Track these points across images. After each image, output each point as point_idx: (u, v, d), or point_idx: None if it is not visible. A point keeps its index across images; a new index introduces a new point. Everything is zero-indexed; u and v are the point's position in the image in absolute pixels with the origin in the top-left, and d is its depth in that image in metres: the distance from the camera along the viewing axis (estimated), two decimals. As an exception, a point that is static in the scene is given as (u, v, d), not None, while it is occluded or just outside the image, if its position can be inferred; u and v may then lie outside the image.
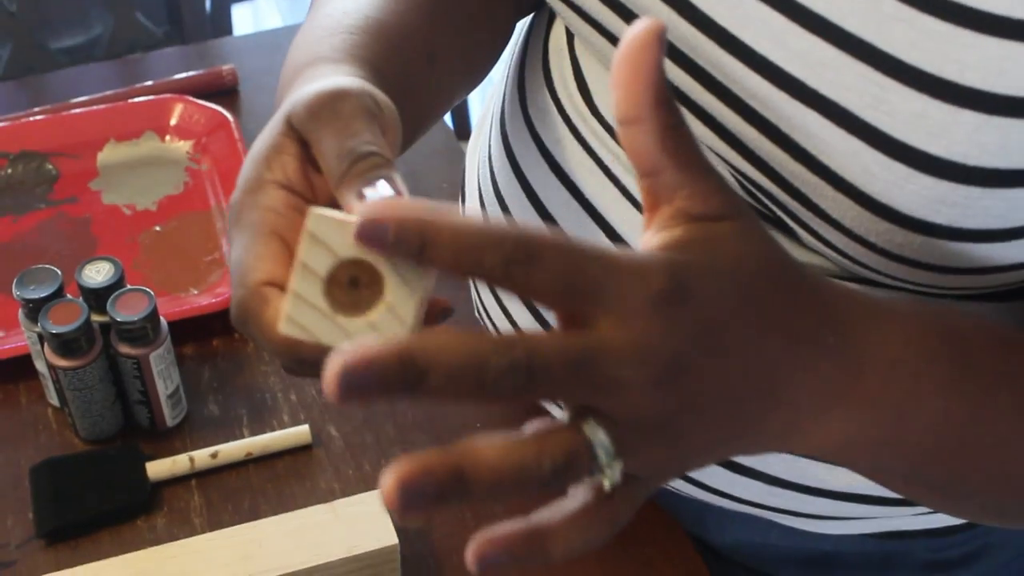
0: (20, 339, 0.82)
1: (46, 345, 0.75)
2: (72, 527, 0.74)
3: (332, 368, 0.35)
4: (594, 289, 0.38)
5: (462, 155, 0.86)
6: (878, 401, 0.46)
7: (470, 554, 0.39)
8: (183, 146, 1.01)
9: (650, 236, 0.42)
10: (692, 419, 0.41)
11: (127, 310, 0.74)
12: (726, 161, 0.56)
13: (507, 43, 0.74)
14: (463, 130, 2.14)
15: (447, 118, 1.47)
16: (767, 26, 0.50)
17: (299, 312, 0.42)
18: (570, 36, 0.67)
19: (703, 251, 0.41)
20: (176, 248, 0.93)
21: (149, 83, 1.07)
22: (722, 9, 0.51)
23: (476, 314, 0.78)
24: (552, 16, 0.70)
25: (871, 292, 0.48)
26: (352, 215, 0.42)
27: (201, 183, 0.98)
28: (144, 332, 0.75)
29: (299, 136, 0.50)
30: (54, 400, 0.81)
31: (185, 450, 0.79)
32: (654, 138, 0.40)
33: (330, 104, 0.49)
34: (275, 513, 0.73)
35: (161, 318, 0.77)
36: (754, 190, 0.56)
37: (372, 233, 0.37)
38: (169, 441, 0.80)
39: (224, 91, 1.09)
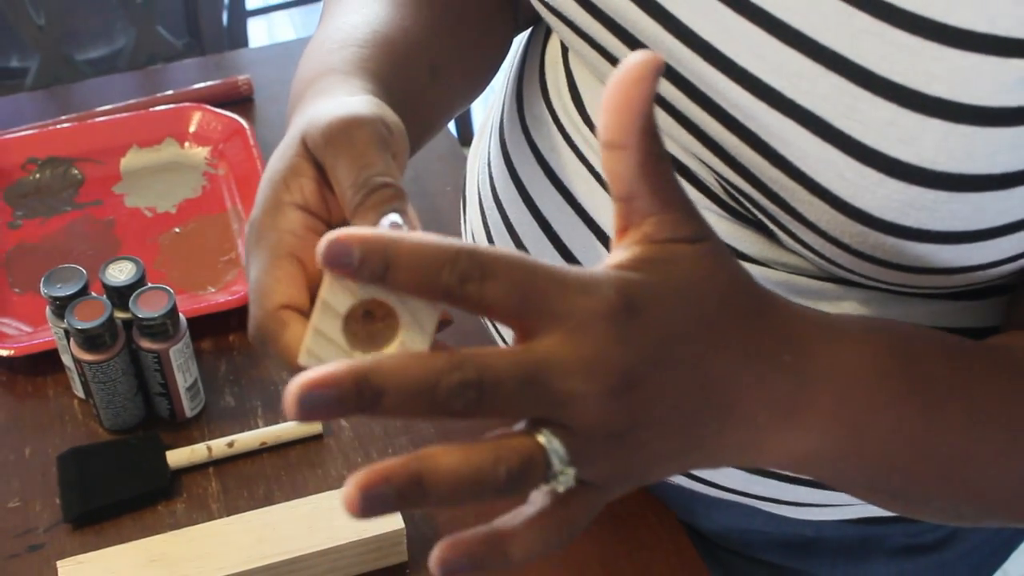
0: (48, 335, 0.82)
1: (72, 340, 0.75)
2: (96, 512, 0.74)
3: (291, 389, 0.36)
4: (544, 304, 0.38)
5: (465, 160, 0.87)
6: (834, 415, 0.45)
7: (433, 560, 0.39)
8: (201, 152, 1.02)
9: (610, 256, 0.42)
10: (645, 430, 0.40)
11: (148, 307, 0.75)
12: (708, 166, 0.56)
13: (505, 56, 0.74)
14: (466, 136, 2.14)
15: (451, 125, 1.47)
16: (747, 40, 0.50)
17: (319, 346, 0.42)
18: (565, 49, 0.67)
19: (657, 270, 0.41)
20: (194, 248, 0.93)
21: (169, 92, 1.08)
22: (705, 24, 0.51)
23: (484, 320, 0.78)
24: (549, 30, 0.70)
25: (827, 314, 0.47)
26: None
27: (218, 187, 0.99)
28: (164, 328, 0.75)
29: (315, 159, 0.50)
30: (79, 392, 0.82)
31: (203, 439, 0.79)
32: (634, 165, 0.41)
33: (345, 131, 0.48)
34: (288, 499, 0.73)
35: (180, 315, 0.77)
36: (735, 193, 0.56)
37: (337, 255, 0.37)
38: (188, 431, 0.80)
39: (240, 100, 1.09)
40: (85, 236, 0.94)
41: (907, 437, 0.48)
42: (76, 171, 1.00)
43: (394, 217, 0.45)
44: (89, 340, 0.74)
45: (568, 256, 0.66)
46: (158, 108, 1.04)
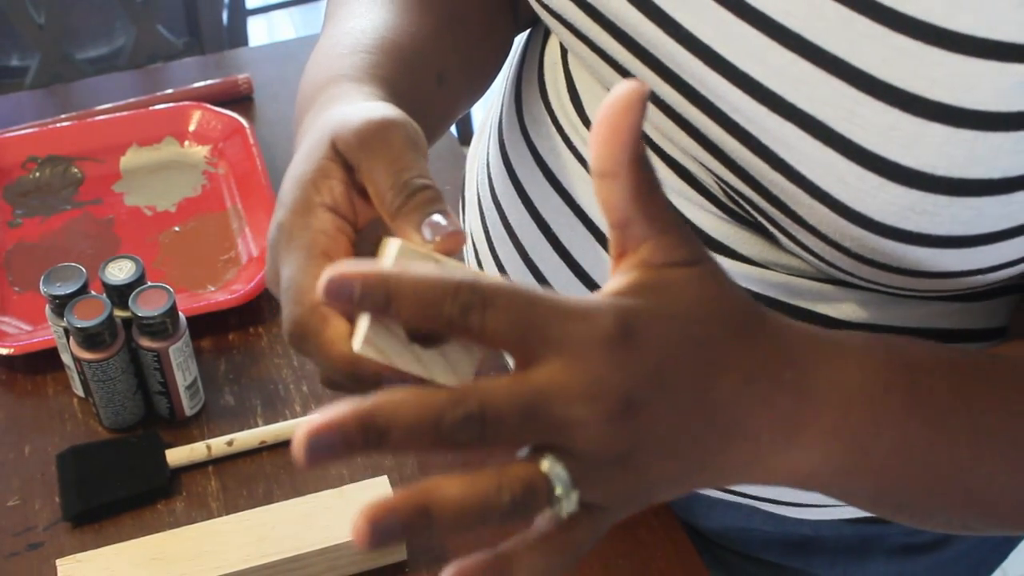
0: (47, 333, 0.82)
1: (71, 339, 0.75)
2: (96, 511, 0.74)
3: (299, 435, 0.37)
4: (544, 332, 0.39)
5: (464, 160, 0.87)
6: (836, 433, 0.45)
7: None
8: (201, 151, 1.01)
9: (608, 283, 0.42)
10: (647, 454, 0.41)
11: (148, 306, 0.74)
12: (708, 169, 0.56)
13: (507, 57, 0.74)
14: (465, 136, 2.14)
15: (451, 124, 1.47)
16: (748, 44, 0.50)
17: (377, 335, 0.41)
18: (564, 50, 0.67)
19: (654, 295, 0.41)
20: (194, 247, 0.93)
21: (169, 91, 1.07)
22: (706, 28, 0.51)
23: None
24: (548, 31, 0.70)
25: (827, 331, 0.47)
26: (428, 247, 0.44)
27: (218, 186, 0.98)
28: (164, 327, 0.75)
29: (344, 161, 0.49)
30: (79, 391, 0.82)
31: (202, 438, 0.79)
32: (627, 193, 0.41)
33: (380, 134, 0.48)
34: (288, 498, 0.73)
35: (180, 313, 0.77)
36: (735, 196, 0.56)
37: (339, 290, 0.38)
38: (187, 430, 0.80)
39: (240, 99, 1.09)
40: (85, 235, 0.94)
41: (910, 452, 0.48)
42: (76, 170, 1.00)
43: (437, 218, 0.46)
44: (89, 339, 0.74)
45: (566, 256, 0.66)
46: (158, 107, 1.04)
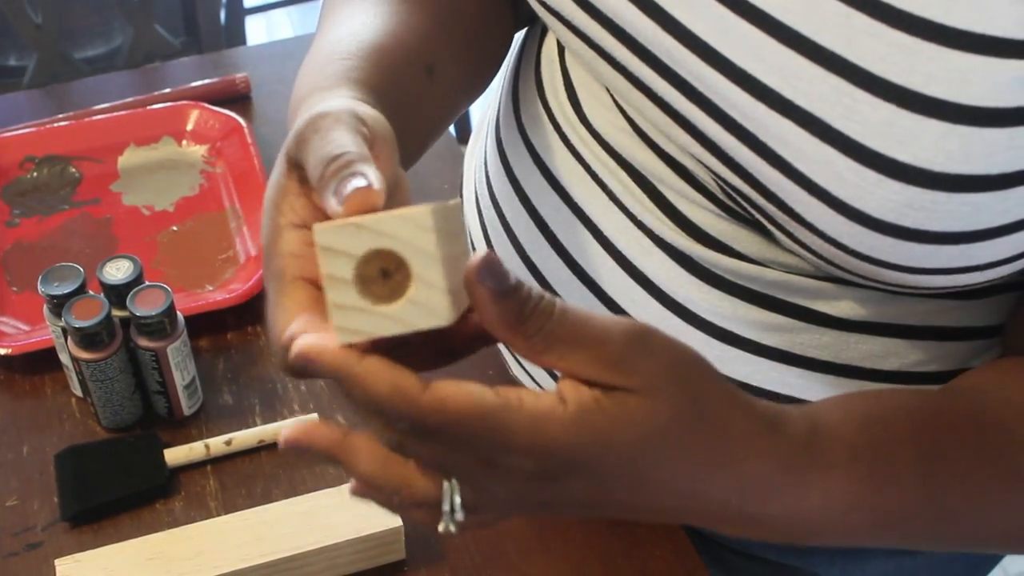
0: (45, 333, 0.82)
1: (69, 338, 0.75)
2: (94, 510, 0.74)
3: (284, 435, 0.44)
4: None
5: (462, 158, 0.86)
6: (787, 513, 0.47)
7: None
8: (199, 150, 1.01)
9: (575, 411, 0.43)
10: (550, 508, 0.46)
11: (146, 305, 0.74)
12: (706, 166, 0.56)
13: (507, 52, 0.74)
14: (464, 134, 2.14)
15: (449, 123, 1.47)
16: (746, 40, 0.50)
17: (345, 319, 0.42)
18: (561, 48, 0.67)
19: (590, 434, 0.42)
20: (192, 247, 0.93)
21: (167, 91, 1.07)
22: (704, 25, 0.51)
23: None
24: (545, 29, 0.70)
25: (782, 421, 0.48)
26: (353, 217, 0.42)
27: (216, 185, 0.98)
28: (162, 326, 0.75)
29: (298, 171, 0.49)
30: (77, 390, 0.82)
31: (201, 437, 0.79)
32: (526, 351, 0.42)
33: (313, 125, 0.48)
34: (286, 497, 0.73)
35: (178, 313, 0.77)
36: (733, 194, 0.56)
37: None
38: (186, 429, 0.80)
39: (238, 98, 1.09)
40: (83, 234, 0.94)
41: (876, 526, 0.50)
42: (74, 169, 0.99)
43: (357, 182, 0.44)
44: (87, 338, 0.74)
45: (564, 254, 0.66)
46: (156, 106, 1.04)
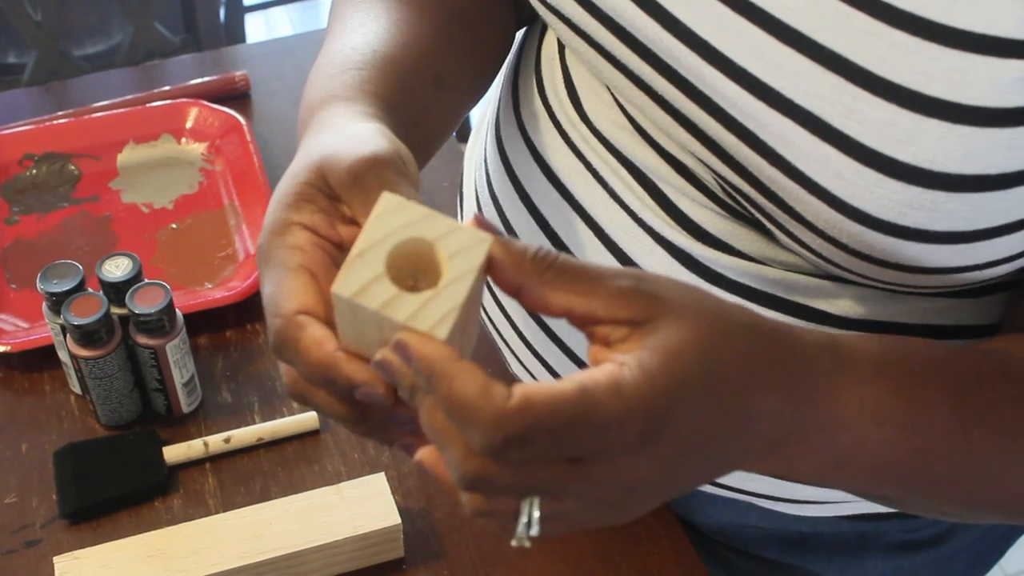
0: (44, 330, 0.82)
1: (68, 336, 0.75)
2: (93, 508, 0.74)
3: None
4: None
5: (461, 156, 0.86)
6: (827, 425, 0.47)
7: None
8: (198, 148, 1.01)
9: (628, 370, 0.43)
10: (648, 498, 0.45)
11: (145, 303, 0.74)
12: (706, 165, 0.56)
13: (508, 53, 0.74)
14: (464, 133, 2.13)
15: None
16: (746, 39, 0.50)
17: (357, 274, 0.43)
18: (561, 46, 0.67)
19: (661, 374, 0.42)
20: (191, 244, 0.93)
21: (166, 88, 1.07)
22: (704, 23, 0.51)
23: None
24: (545, 27, 0.70)
25: (818, 333, 0.48)
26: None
27: (215, 183, 0.98)
28: (161, 324, 0.75)
29: (330, 191, 0.50)
30: (76, 388, 0.82)
31: (200, 435, 0.79)
32: (538, 293, 0.43)
33: (373, 171, 0.49)
34: (285, 495, 0.73)
35: (177, 310, 0.77)
36: (733, 192, 0.56)
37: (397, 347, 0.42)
38: (185, 427, 0.80)
39: (237, 96, 1.09)
40: (82, 232, 0.94)
41: (906, 449, 0.48)
42: (73, 167, 0.99)
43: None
44: (85, 336, 0.74)
45: (564, 251, 0.66)
46: (155, 104, 1.04)
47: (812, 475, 0.49)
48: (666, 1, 0.52)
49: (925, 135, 0.46)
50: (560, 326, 0.68)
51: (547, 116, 0.67)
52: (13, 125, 1.02)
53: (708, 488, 0.70)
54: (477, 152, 0.78)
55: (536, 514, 0.43)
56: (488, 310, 0.75)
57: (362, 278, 0.42)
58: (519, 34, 0.76)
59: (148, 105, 1.04)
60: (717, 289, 0.61)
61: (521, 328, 0.71)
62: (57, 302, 0.75)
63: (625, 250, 0.63)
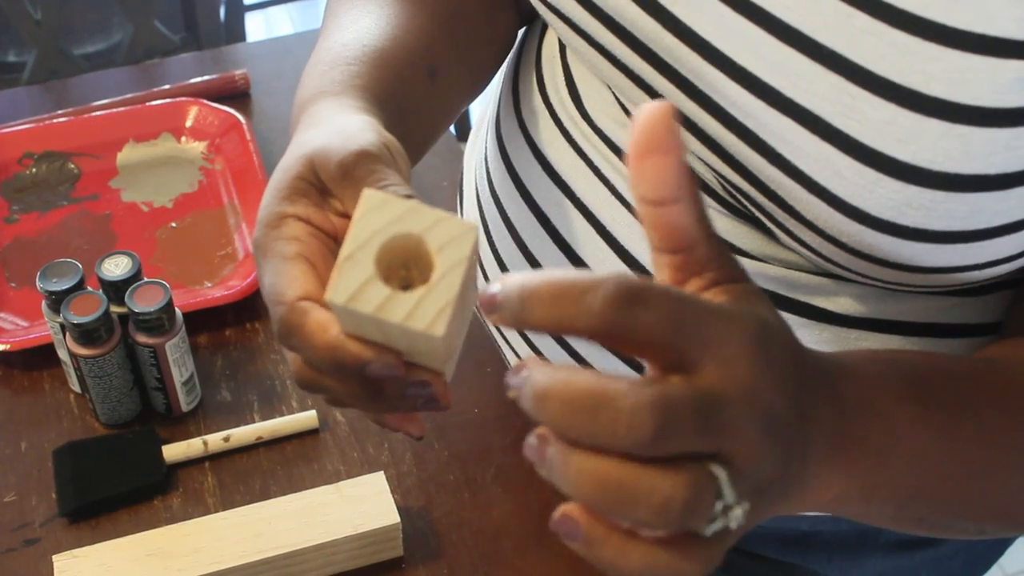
0: (44, 329, 0.82)
1: (68, 335, 0.75)
2: (92, 506, 0.74)
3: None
4: (699, 332, 0.37)
5: (461, 155, 0.86)
6: (862, 445, 0.44)
7: (555, 516, 0.38)
8: (198, 147, 1.01)
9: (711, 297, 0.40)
10: (774, 473, 0.39)
11: (144, 302, 0.74)
12: (707, 164, 0.56)
13: (510, 49, 0.74)
14: (463, 132, 2.13)
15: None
16: (746, 38, 0.50)
17: (348, 280, 0.42)
18: (562, 44, 0.67)
19: (759, 307, 0.40)
20: (191, 243, 0.93)
21: (166, 87, 1.07)
22: (705, 22, 0.51)
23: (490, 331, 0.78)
24: (546, 25, 0.70)
25: (830, 352, 0.47)
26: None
27: (215, 182, 0.98)
28: (160, 322, 0.75)
29: (321, 185, 0.51)
30: (75, 387, 0.82)
31: (199, 434, 0.79)
32: (691, 216, 0.39)
33: (362, 165, 0.50)
34: (284, 494, 0.73)
35: (176, 309, 0.77)
36: (733, 191, 0.56)
37: (484, 303, 0.37)
38: (184, 425, 0.80)
39: (237, 94, 1.09)
40: (81, 230, 0.94)
41: (926, 464, 0.47)
42: (72, 165, 0.99)
43: None
44: (85, 335, 0.74)
45: (566, 249, 0.66)
46: (155, 103, 1.04)
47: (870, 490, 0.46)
48: (666, 1, 0.52)
49: (924, 135, 0.46)
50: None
51: (548, 114, 0.67)
52: (13, 124, 1.02)
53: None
54: (477, 150, 0.78)
55: (727, 478, 0.37)
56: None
57: (354, 282, 0.42)
58: (520, 32, 0.76)
59: (148, 104, 1.03)
60: None
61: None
62: (56, 301, 0.75)
63: (626, 246, 0.63)
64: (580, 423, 0.35)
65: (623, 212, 0.63)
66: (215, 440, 0.78)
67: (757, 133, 0.51)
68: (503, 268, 0.72)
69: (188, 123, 1.02)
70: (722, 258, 0.40)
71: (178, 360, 0.77)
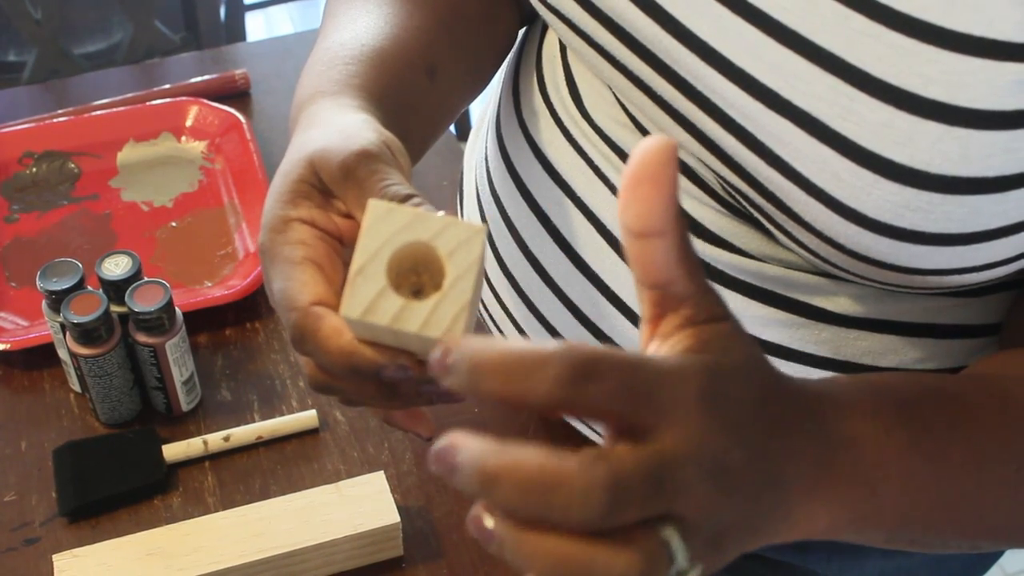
0: (44, 328, 0.82)
1: (68, 334, 0.75)
2: (93, 506, 0.74)
3: (436, 449, 0.36)
4: (652, 399, 0.37)
5: (461, 155, 0.87)
6: (853, 478, 0.44)
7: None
8: (198, 146, 1.01)
9: (660, 344, 0.40)
10: (733, 520, 0.39)
11: (144, 301, 0.74)
12: (707, 165, 0.56)
13: (511, 48, 0.74)
14: (464, 131, 2.13)
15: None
16: (745, 40, 0.50)
17: (361, 294, 0.43)
18: (563, 44, 0.67)
19: (720, 351, 0.39)
20: (191, 243, 0.93)
21: (166, 86, 1.07)
22: (703, 24, 0.51)
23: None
24: (546, 25, 0.70)
25: (817, 380, 0.46)
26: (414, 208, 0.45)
27: (215, 181, 0.98)
28: (160, 322, 0.75)
29: (323, 187, 0.51)
30: (76, 386, 0.82)
31: (199, 433, 0.79)
32: (672, 252, 0.39)
33: (364, 165, 0.50)
34: (284, 493, 0.73)
35: (176, 309, 0.77)
36: (732, 192, 0.56)
37: (434, 364, 0.37)
38: (184, 425, 0.80)
39: (237, 94, 1.09)
40: (81, 230, 0.94)
41: (918, 490, 0.47)
42: (73, 165, 1.00)
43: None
44: (85, 334, 0.74)
45: (567, 248, 0.66)
46: (155, 102, 1.04)
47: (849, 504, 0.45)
48: (665, 2, 0.53)
49: (922, 137, 0.46)
50: (560, 323, 0.68)
51: (548, 113, 0.67)
52: (13, 123, 1.02)
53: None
54: (477, 150, 0.78)
55: (678, 542, 0.37)
56: (488, 305, 0.76)
57: (367, 295, 0.43)
58: (520, 32, 0.76)
59: (148, 103, 1.04)
60: (717, 286, 0.61)
61: (521, 324, 0.72)
62: (57, 300, 0.75)
63: (626, 246, 0.63)
64: (532, 506, 0.35)
65: (622, 211, 0.63)
66: (215, 440, 0.78)
67: (755, 135, 0.51)
68: (504, 267, 0.72)
69: (188, 123, 1.02)
70: (701, 296, 0.40)
71: (178, 360, 0.77)
